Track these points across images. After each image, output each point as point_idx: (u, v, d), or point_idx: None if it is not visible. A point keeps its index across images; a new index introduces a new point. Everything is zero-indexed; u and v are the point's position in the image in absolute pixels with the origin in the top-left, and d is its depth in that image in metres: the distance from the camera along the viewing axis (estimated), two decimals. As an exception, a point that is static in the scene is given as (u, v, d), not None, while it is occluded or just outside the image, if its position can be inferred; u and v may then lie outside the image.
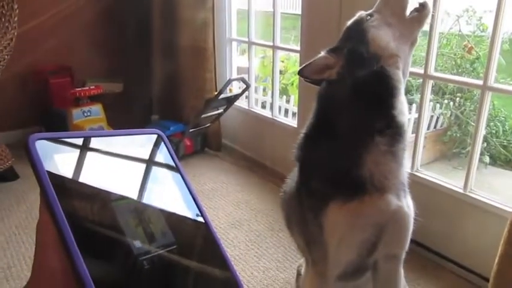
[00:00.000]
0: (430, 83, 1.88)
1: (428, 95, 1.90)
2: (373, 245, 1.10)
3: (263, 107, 3.63)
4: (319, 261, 1.15)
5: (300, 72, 1.12)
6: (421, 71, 1.85)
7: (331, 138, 1.10)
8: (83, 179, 0.39)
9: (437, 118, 3.52)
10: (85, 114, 2.74)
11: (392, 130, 1.06)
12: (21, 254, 1.86)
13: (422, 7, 1.13)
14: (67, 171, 0.38)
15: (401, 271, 1.20)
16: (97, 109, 2.78)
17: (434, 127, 3.52)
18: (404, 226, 1.11)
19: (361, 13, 1.16)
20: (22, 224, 2.08)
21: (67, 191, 0.37)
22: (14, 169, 2.48)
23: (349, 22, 1.16)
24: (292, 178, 1.25)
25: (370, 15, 1.14)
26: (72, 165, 0.39)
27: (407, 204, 1.11)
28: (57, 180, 0.37)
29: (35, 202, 2.23)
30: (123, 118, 2.80)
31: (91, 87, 2.80)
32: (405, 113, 1.09)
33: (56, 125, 2.84)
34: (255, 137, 2.89)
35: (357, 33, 1.12)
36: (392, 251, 1.15)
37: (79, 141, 0.41)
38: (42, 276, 0.36)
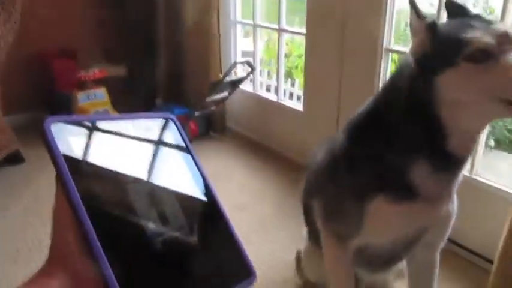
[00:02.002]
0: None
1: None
2: (415, 238, 1.10)
3: (268, 90, 3.61)
4: (346, 233, 1.11)
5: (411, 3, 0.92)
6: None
7: (388, 134, 0.99)
8: (96, 161, 0.39)
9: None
10: (90, 97, 2.74)
11: (445, 160, 0.95)
12: (29, 237, 1.87)
13: None
14: (81, 154, 0.39)
15: (438, 258, 1.20)
16: (101, 93, 2.79)
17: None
18: (449, 226, 1.11)
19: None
20: (29, 207, 2.09)
21: (82, 174, 0.38)
22: (20, 152, 2.49)
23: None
24: (323, 150, 1.19)
25: (487, 54, 0.84)
26: (86, 148, 0.39)
27: (454, 205, 1.08)
28: (72, 163, 0.37)
29: (41, 185, 2.23)
30: (127, 101, 2.81)
31: (95, 71, 2.80)
32: (467, 147, 0.94)
33: (61, 108, 2.85)
34: (259, 120, 2.89)
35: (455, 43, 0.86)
36: (433, 242, 1.16)
37: (92, 124, 0.41)
38: (60, 257, 0.37)
